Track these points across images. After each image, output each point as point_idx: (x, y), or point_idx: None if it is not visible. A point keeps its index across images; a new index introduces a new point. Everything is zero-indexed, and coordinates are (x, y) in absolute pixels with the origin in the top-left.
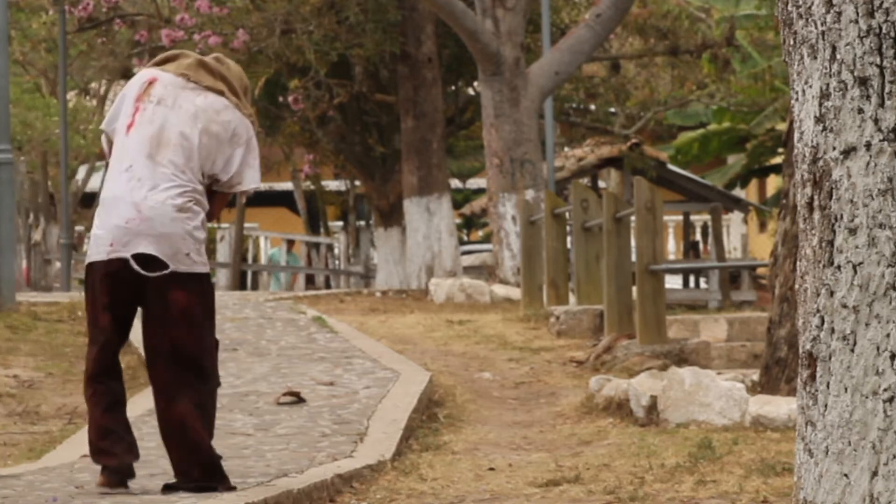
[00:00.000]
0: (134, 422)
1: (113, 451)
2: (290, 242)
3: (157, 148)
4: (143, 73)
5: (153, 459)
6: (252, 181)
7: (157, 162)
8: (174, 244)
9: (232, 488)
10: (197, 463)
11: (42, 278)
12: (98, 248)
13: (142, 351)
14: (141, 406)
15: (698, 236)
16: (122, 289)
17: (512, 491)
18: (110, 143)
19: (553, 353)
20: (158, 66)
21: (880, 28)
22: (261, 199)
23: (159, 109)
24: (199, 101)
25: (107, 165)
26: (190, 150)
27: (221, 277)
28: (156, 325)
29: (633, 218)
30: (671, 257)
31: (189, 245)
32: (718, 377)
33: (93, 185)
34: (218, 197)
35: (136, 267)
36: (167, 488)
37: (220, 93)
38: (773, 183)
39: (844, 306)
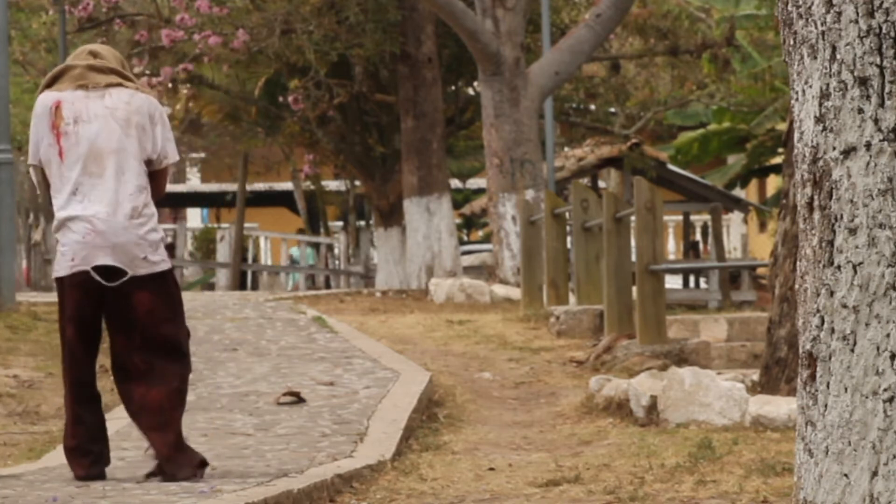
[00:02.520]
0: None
1: (82, 463)
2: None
3: (95, 164)
4: (45, 100)
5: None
6: (173, 154)
7: (100, 176)
8: (129, 251)
9: (201, 464)
10: (165, 442)
11: (42, 278)
12: (62, 263)
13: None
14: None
15: (698, 236)
16: (86, 299)
17: (512, 491)
18: (43, 174)
19: (553, 353)
20: (50, 87)
21: (880, 28)
22: (261, 199)
23: (80, 127)
24: (108, 101)
25: (45, 195)
26: (124, 150)
27: (221, 277)
28: (124, 326)
29: (633, 218)
30: (671, 257)
31: (144, 249)
32: (718, 377)
33: None
34: (157, 176)
35: (96, 277)
36: (149, 475)
37: (119, 84)
38: (773, 183)
39: (844, 306)
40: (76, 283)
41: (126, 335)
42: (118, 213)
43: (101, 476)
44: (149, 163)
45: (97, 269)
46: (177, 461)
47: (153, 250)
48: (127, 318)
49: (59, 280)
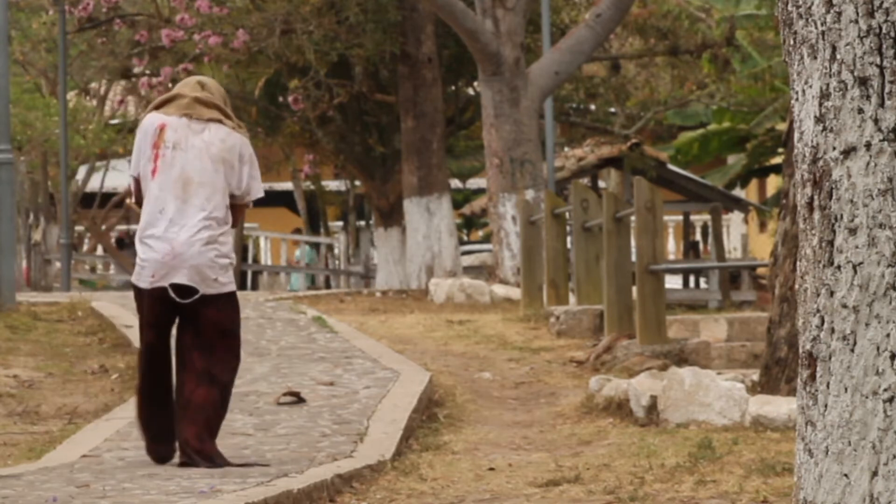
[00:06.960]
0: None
1: (156, 449)
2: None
3: (183, 190)
4: (153, 119)
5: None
6: (257, 192)
7: (186, 202)
8: (202, 272)
9: (223, 462)
10: (195, 434)
11: (42, 278)
12: (142, 276)
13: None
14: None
15: (698, 236)
16: (163, 310)
17: (512, 491)
18: (138, 185)
19: (553, 353)
20: (159, 108)
21: (880, 28)
22: (261, 200)
23: (177, 154)
24: (206, 136)
25: (138, 202)
26: (212, 184)
27: None
28: (192, 333)
29: (633, 218)
30: (671, 257)
31: (216, 271)
32: (718, 377)
33: (93, 185)
34: (237, 209)
35: (173, 295)
36: (183, 464)
37: (219, 121)
38: (773, 183)
39: (844, 306)
40: (155, 296)
41: (192, 337)
42: (196, 239)
43: (172, 456)
44: (231, 196)
45: (172, 286)
46: (202, 453)
47: (223, 273)
48: (195, 326)
49: (139, 290)
